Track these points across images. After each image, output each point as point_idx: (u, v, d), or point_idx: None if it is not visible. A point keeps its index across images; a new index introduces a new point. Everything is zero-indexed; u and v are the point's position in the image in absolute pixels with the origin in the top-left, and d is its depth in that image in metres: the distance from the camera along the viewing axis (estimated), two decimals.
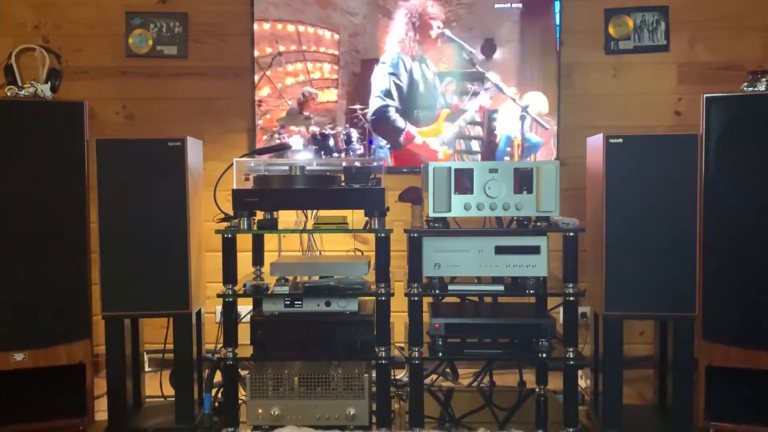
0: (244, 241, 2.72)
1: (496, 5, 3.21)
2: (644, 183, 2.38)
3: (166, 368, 2.74)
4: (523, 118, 3.20)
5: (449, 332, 2.46)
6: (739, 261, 2.42)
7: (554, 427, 2.47)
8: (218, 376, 2.58)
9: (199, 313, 2.64)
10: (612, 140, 2.39)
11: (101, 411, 2.57)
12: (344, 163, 2.61)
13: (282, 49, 3.24)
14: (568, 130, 3.27)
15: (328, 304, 2.51)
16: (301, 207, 2.62)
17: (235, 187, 2.51)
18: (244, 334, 2.52)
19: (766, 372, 2.42)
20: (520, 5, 3.23)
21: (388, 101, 3.23)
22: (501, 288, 2.49)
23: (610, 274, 2.40)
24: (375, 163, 2.63)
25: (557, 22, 3.25)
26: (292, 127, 3.11)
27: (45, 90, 2.52)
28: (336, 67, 3.24)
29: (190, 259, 2.44)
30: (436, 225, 2.44)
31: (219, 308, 2.65)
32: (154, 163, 2.42)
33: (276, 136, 3.16)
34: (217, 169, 2.73)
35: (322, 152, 3.19)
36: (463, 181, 2.40)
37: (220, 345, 2.51)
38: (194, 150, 2.55)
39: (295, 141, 3.29)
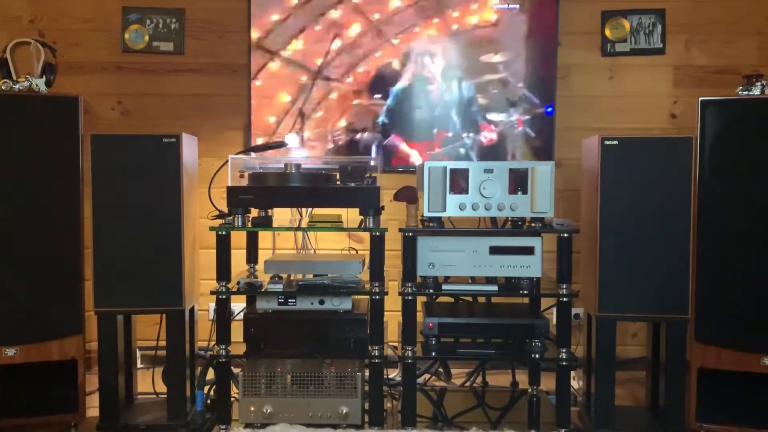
0: (239, 239, 2.72)
1: None
2: (639, 185, 2.38)
3: (158, 365, 2.73)
4: None
5: (443, 332, 2.46)
6: (733, 264, 2.43)
7: (546, 427, 2.47)
8: (211, 374, 2.58)
9: (192, 310, 2.64)
10: (607, 142, 2.39)
11: (93, 407, 2.56)
12: (340, 162, 2.61)
13: None
14: (564, 131, 3.28)
15: (321, 302, 2.50)
16: (295, 205, 2.62)
17: (230, 184, 2.51)
18: (237, 331, 2.52)
19: (757, 374, 2.43)
20: None
21: None
22: (495, 288, 2.49)
23: (603, 275, 2.41)
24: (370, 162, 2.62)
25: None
26: None
27: (40, 84, 2.51)
28: None
29: (183, 255, 2.43)
30: (431, 224, 2.44)
31: (212, 305, 2.64)
32: (149, 159, 2.41)
33: None
34: (213, 166, 2.73)
35: None
36: (459, 181, 2.40)
37: (213, 342, 2.50)
38: (189, 146, 2.55)
39: (291, 138, 3.29)
